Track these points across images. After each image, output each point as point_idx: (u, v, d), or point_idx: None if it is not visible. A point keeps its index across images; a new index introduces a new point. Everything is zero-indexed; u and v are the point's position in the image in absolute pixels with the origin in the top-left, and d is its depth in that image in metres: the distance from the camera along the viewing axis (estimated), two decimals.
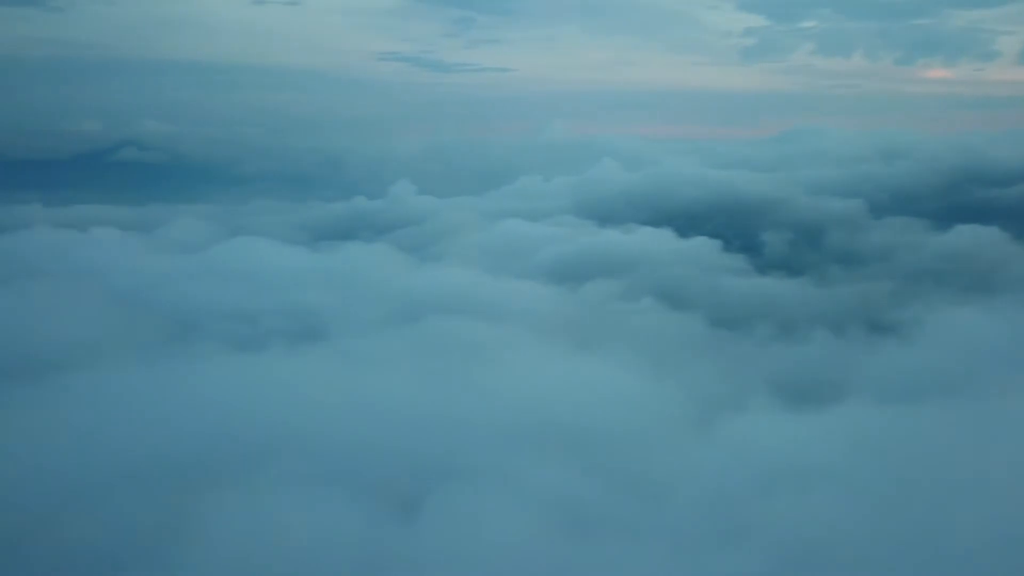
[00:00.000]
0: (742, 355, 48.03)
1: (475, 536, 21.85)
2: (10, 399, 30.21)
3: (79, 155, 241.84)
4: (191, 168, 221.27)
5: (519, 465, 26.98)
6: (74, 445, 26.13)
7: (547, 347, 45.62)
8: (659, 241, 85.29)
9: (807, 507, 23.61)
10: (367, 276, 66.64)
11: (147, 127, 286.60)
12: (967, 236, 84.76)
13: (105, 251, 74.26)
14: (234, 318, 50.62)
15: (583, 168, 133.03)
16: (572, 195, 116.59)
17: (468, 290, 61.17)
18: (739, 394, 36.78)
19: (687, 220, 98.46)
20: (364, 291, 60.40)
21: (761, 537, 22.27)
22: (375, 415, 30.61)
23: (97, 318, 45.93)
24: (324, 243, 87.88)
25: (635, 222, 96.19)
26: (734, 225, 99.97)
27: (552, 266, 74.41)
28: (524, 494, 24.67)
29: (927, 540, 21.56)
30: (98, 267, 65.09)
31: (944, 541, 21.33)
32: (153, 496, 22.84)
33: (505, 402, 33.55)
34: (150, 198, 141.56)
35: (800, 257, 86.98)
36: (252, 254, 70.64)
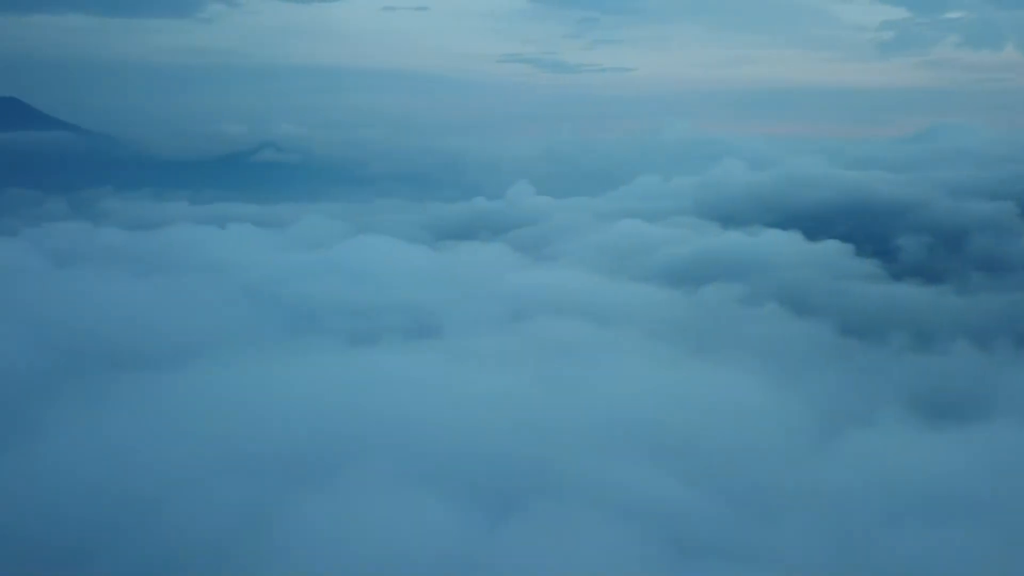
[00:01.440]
0: (873, 366, 44.91)
1: (568, 551, 21.12)
2: (137, 384, 32.08)
3: (224, 156, 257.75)
4: (322, 168, 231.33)
5: (623, 476, 26.12)
6: (188, 432, 27.35)
7: (661, 353, 44.30)
8: (786, 244, 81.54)
9: (940, 540, 21.44)
10: (483, 275, 67.15)
11: (284, 130, 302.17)
12: None
13: (239, 246, 78.29)
14: (353, 314, 52.07)
15: (704, 168, 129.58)
16: (693, 195, 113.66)
17: (582, 291, 60.51)
18: (868, 408, 34.34)
19: (816, 222, 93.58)
20: (479, 290, 60.84)
21: (884, 574, 20.37)
22: (480, 415, 30.49)
23: (225, 310, 48.38)
24: (444, 242, 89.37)
25: (760, 224, 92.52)
26: (867, 228, 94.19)
27: (670, 268, 72.53)
28: (626, 507, 23.73)
29: None
30: (231, 261, 68.59)
31: None
32: (256, 487, 23.48)
33: (613, 408, 32.69)
34: (284, 197, 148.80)
35: (939, 263, 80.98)
36: (374, 252, 72.58)
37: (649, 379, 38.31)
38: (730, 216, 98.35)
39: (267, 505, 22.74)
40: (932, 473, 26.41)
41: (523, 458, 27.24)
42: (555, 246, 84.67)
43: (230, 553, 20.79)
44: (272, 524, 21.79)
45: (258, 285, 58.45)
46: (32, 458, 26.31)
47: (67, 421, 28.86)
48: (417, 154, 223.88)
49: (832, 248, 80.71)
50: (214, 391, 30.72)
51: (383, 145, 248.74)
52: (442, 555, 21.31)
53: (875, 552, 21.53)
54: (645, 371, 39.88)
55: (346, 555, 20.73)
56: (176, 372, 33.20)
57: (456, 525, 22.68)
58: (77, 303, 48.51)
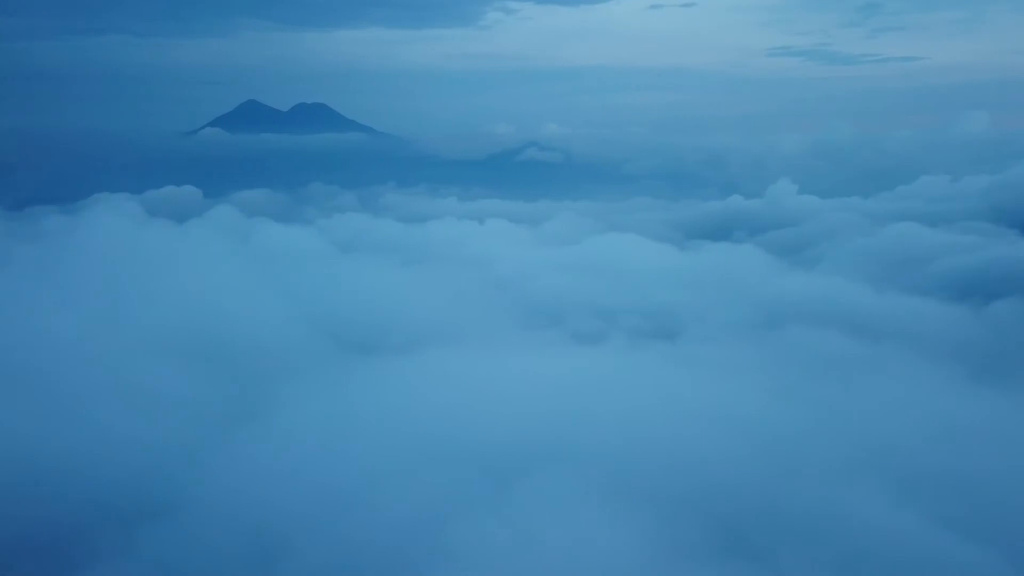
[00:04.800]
0: None
1: None
2: (371, 369, 33.99)
3: (491, 155, 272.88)
4: (582, 167, 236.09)
5: (869, 516, 22.55)
6: (400, 420, 28.18)
7: (936, 376, 38.44)
8: None
9: None
10: (732, 278, 63.54)
11: (548, 130, 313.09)
12: None
13: (494, 241, 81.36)
14: (589, 311, 51.56)
15: (1001, 167, 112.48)
16: (986, 198, 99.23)
17: (843, 300, 54.88)
18: None
19: None
20: (725, 293, 57.55)
21: None
22: (706, 429, 28.16)
23: (470, 302, 50.18)
24: (694, 242, 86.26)
25: None
26: None
27: (953, 279, 63.53)
28: (863, 551, 20.30)
29: None
30: (485, 255, 71.38)
31: None
32: (457, 482, 23.35)
33: (868, 436, 28.66)
34: (543, 194, 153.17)
35: None
36: (619, 250, 71.78)
37: (917, 405, 33.29)
38: None
39: (462, 502, 22.58)
40: None
41: (749, 483, 24.64)
42: (816, 249, 78.19)
43: (411, 552, 20.80)
44: (457, 525, 21.54)
45: (504, 279, 60.14)
46: (263, 433, 28.64)
47: (303, 398, 31.19)
48: (676, 152, 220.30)
49: None
50: (436, 381, 31.55)
51: (643, 143, 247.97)
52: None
53: None
54: (913, 395, 34.73)
55: (521, 567, 19.85)
56: (409, 359, 34.66)
57: (656, 551, 20.86)
58: (346, 288, 53.06)
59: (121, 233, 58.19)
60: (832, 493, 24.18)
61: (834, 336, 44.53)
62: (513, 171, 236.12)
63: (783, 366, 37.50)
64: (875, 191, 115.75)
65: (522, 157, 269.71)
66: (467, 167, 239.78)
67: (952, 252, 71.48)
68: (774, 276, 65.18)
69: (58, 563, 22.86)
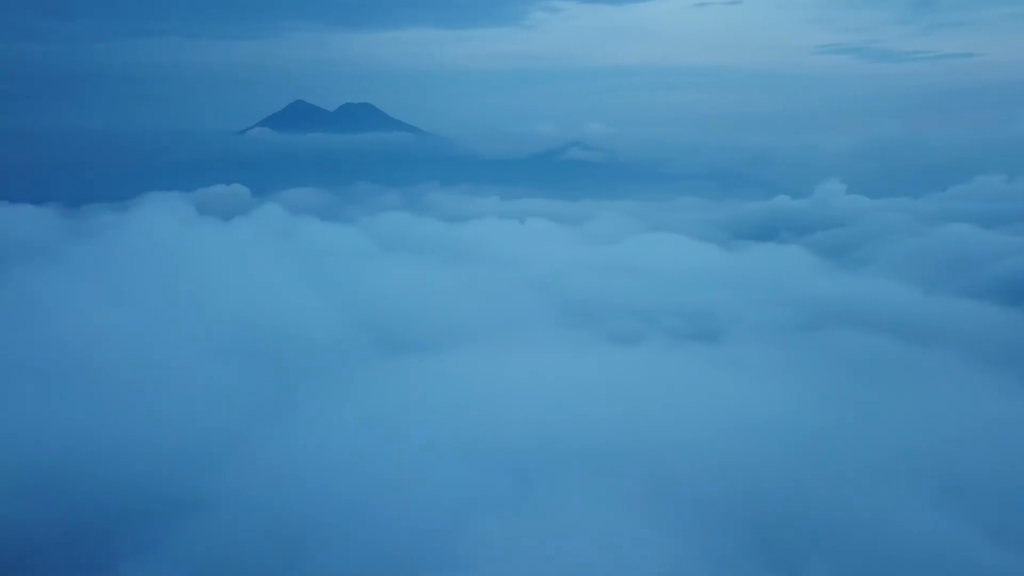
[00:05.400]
0: None
1: None
2: (404, 367, 34.11)
3: (534, 155, 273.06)
4: (625, 166, 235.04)
5: (912, 522, 21.86)
6: (428, 419, 28.19)
7: (988, 383, 37.15)
8: None
9: None
10: (777, 279, 62.46)
11: (591, 129, 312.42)
12: None
13: (534, 240, 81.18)
14: (628, 311, 51.08)
15: None
16: None
17: (891, 303, 53.52)
18: None
19: None
20: (769, 294, 56.56)
21: None
22: (742, 432, 27.59)
23: (508, 301, 50.05)
24: (738, 242, 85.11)
25: None
26: None
27: (1008, 282, 61.54)
28: (904, 562, 19.66)
29: None
30: (525, 254, 71.23)
31: None
32: (483, 482, 23.28)
33: (914, 445, 27.75)
34: (586, 194, 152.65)
35: None
36: (661, 249, 71.14)
37: (966, 411, 32.22)
38: None
39: (491, 504, 22.47)
40: None
41: (786, 489, 24.07)
42: (865, 251, 76.49)
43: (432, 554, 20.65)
44: (485, 528, 21.40)
45: (544, 278, 59.93)
46: (297, 430, 28.96)
47: (338, 395, 31.48)
48: (721, 151, 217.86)
49: None
50: (470, 380, 31.51)
51: (687, 142, 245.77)
52: None
53: None
54: (962, 401, 33.63)
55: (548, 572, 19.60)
56: (443, 358, 34.71)
57: (686, 557, 20.45)
58: (385, 286, 53.42)
59: (169, 230, 59.51)
60: (872, 501, 23.52)
61: (880, 339, 43.37)
62: (556, 170, 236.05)
63: (826, 369, 36.63)
64: (927, 191, 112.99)
65: (565, 156, 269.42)
66: (510, 166, 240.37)
67: (1008, 254, 69.24)
68: (820, 277, 63.89)
69: (99, 552, 23.46)
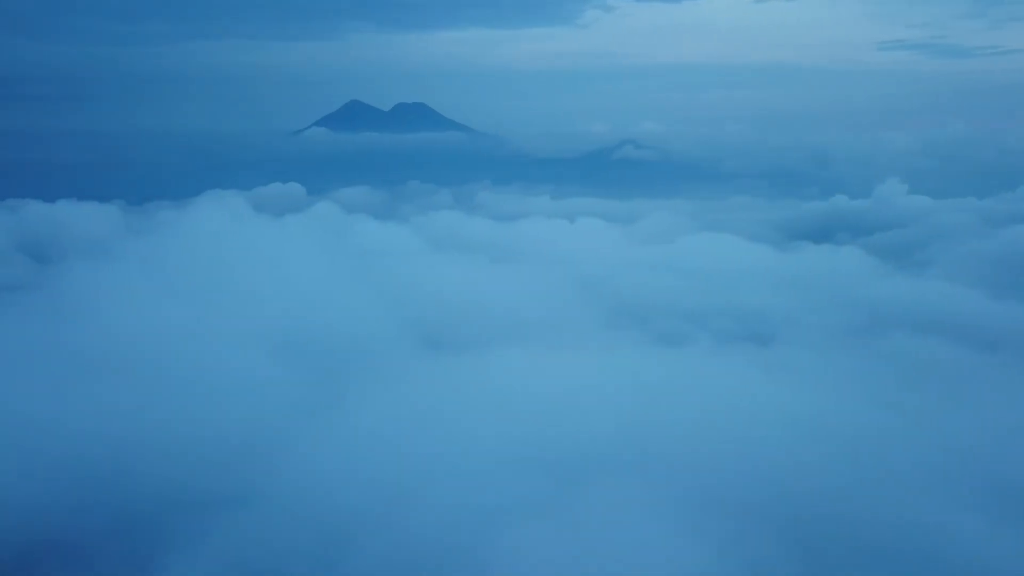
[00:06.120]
0: None
1: None
2: (444, 365, 34.11)
3: (586, 153, 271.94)
4: (677, 165, 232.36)
5: (969, 535, 20.87)
6: (463, 419, 28.05)
7: None
8: None
9: None
10: (834, 282, 60.80)
11: (644, 127, 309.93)
12: None
13: (583, 240, 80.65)
14: (677, 312, 50.28)
15: None
16: None
17: (954, 307, 51.62)
18: None
19: None
20: (825, 297, 55.09)
21: None
22: (791, 440, 26.73)
23: (554, 300, 49.75)
24: (794, 243, 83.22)
25: None
26: None
27: None
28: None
29: None
30: (573, 254, 70.80)
31: None
32: (520, 485, 22.96)
33: (969, 451, 26.61)
34: (638, 193, 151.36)
35: None
36: (712, 250, 69.92)
37: None
38: None
39: (529, 505, 22.20)
40: None
41: (835, 499, 23.24)
42: (927, 253, 74.08)
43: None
44: (521, 529, 21.11)
45: (592, 278, 59.47)
46: (340, 425, 29.14)
47: (383, 393, 31.59)
48: (778, 150, 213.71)
49: None
50: (513, 380, 31.29)
51: (743, 141, 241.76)
52: None
53: None
54: None
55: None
56: (487, 357, 34.62)
57: (730, 567, 19.81)
58: (433, 285, 53.65)
59: (224, 228, 60.71)
60: (927, 514, 22.58)
61: (942, 345, 41.86)
62: (608, 169, 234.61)
63: (882, 375, 35.43)
64: (994, 192, 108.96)
65: (617, 155, 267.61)
66: (562, 165, 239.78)
67: None
68: (879, 280, 61.98)
69: (147, 544, 23.99)
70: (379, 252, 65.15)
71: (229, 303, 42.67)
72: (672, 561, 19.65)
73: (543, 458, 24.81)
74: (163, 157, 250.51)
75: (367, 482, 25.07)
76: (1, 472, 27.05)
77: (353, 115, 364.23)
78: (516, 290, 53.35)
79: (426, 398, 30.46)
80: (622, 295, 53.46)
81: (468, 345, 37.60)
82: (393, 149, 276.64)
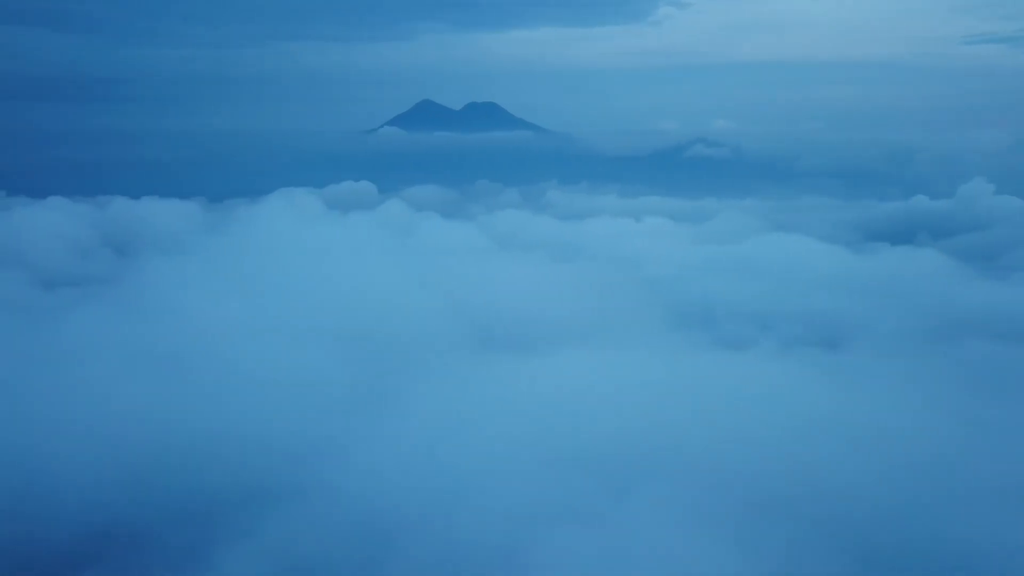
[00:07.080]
0: None
1: None
2: (500, 367, 34.05)
3: (655, 152, 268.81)
4: (750, 164, 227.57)
5: None
6: (516, 422, 27.89)
7: None
8: None
9: None
10: (912, 285, 58.52)
11: (716, 126, 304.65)
12: None
13: (650, 239, 79.72)
14: (743, 315, 49.11)
15: None
16: None
17: None
18: None
19: None
20: (900, 301, 53.01)
21: None
22: (855, 451, 25.66)
23: (618, 300, 49.18)
24: (871, 245, 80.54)
25: None
26: None
27: None
28: None
29: None
30: (638, 253, 70.07)
31: None
32: (574, 487, 22.70)
33: None
34: (708, 192, 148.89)
35: None
36: (784, 251, 68.13)
37: None
38: None
39: (577, 508, 21.95)
40: None
41: (897, 511, 22.25)
42: (1013, 256, 70.75)
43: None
44: (567, 531, 20.84)
45: (655, 278, 58.76)
46: (393, 424, 29.41)
47: (439, 391, 31.81)
48: (855, 148, 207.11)
49: None
50: (569, 381, 31.05)
51: (818, 139, 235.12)
52: None
53: None
54: None
55: None
56: (547, 357, 34.48)
57: None
58: (496, 284, 53.80)
59: (295, 225, 62.24)
60: (1004, 533, 21.40)
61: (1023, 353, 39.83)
62: (678, 168, 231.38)
63: (957, 383, 33.79)
64: None
65: (688, 154, 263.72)
66: (631, 164, 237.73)
67: None
68: (959, 284, 59.32)
69: (199, 537, 24.74)
70: (444, 250, 65.68)
71: (295, 299, 43.72)
72: (723, 570, 19.18)
73: (598, 462, 24.55)
74: (241, 156, 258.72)
75: (418, 480, 25.29)
76: (76, 459, 28.30)
77: (425, 114, 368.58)
78: (579, 290, 53.03)
79: (486, 398, 30.56)
80: (687, 296, 52.59)
81: (531, 345, 37.57)
82: (463, 148, 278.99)
